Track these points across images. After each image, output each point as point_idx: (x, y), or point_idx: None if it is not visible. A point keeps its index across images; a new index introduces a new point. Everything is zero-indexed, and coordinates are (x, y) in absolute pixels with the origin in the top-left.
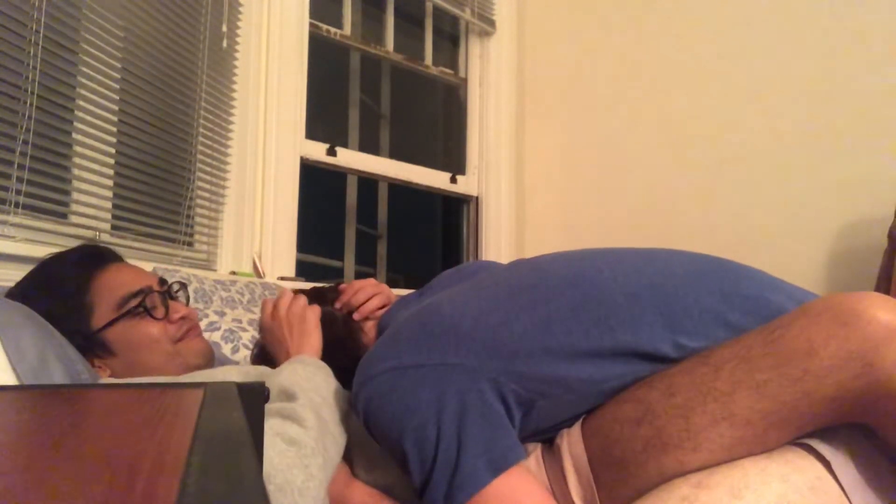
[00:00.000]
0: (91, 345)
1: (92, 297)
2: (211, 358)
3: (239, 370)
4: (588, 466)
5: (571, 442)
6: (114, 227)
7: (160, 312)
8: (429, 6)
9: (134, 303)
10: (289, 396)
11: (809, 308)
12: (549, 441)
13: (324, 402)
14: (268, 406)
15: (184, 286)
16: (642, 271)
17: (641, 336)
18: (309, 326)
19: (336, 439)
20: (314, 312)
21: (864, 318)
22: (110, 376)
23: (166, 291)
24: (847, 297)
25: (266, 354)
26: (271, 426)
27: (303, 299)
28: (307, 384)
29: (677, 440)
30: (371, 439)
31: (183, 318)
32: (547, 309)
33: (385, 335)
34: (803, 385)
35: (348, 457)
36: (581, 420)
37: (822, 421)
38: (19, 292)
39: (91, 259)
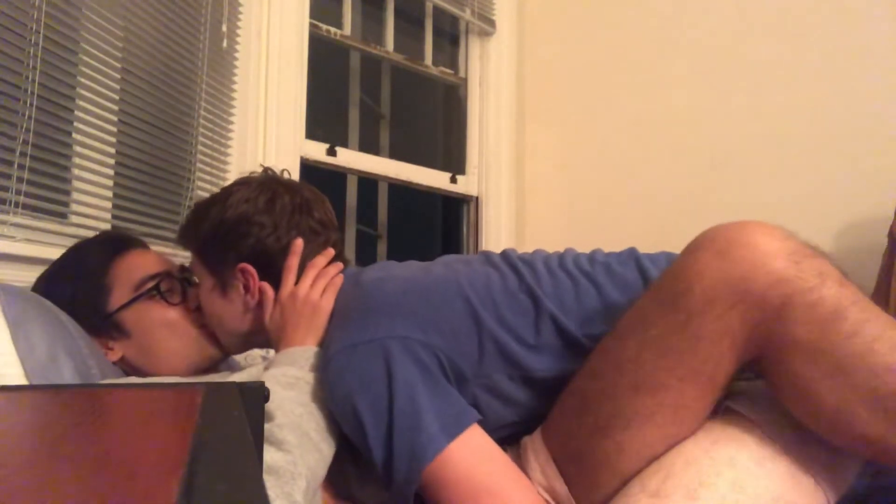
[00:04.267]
0: (106, 326)
1: (111, 279)
2: (223, 356)
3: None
4: (557, 471)
5: (536, 450)
6: (114, 228)
7: (175, 298)
8: (429, 6)
9: (150, 285)
10: (266, 415)
11: (690, 244)
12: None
13: (305, 412)
14: None
15: None
16: (556, 273)
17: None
18: (318, 321)
19: (321, 452)
20: (328, 303)
21: (737, 244)
22: (120, 359)
23: (186, 279)
24: (725, 227)
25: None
26: None
27: (321, 284)
28: (288, 393)
29: (610, 421)
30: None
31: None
32: (486, 295)
33: (335, 318)
34: (690, 328)
35: (342, 472)
36: (540, 428)
37: (728, 364)
38: (47, 274)
39: (114, 243)
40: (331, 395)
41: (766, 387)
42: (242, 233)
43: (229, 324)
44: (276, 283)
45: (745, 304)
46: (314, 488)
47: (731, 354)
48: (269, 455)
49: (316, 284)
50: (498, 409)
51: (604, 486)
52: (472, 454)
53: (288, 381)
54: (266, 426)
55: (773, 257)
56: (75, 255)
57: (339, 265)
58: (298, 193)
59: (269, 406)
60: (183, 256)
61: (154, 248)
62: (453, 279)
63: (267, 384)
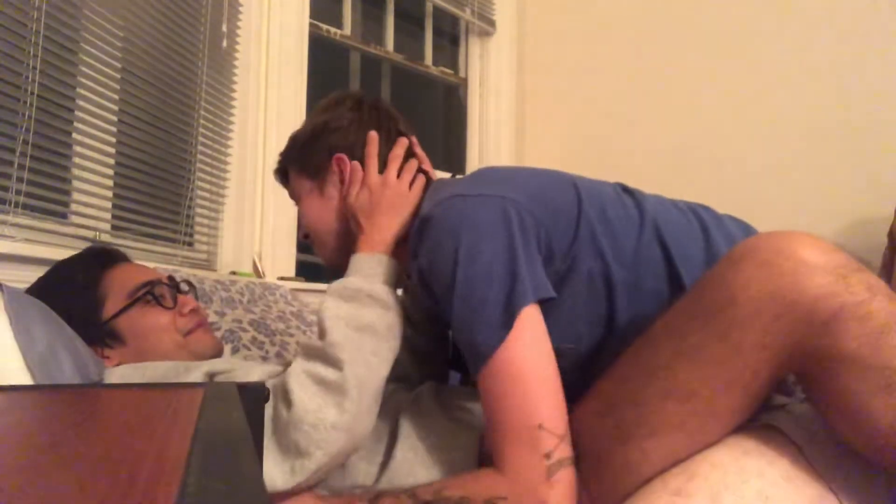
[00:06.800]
0: (101, 334)
1: (103, 289)
2: (219, 354)
3: (263, 369)
4: None
5: None
6: (114, 227)
7: (169, 302)
8: (429, 6)
9: (143, 291)
10: (321, 331)
11: (732, 254)
12: None
13: (357, 326)
14: (300, 342)
15: (192, 286)
16: (666, 205)
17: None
18: (405, 209)
19: (370, 366)
20: (416, 194)
21: (783, 256)
22: (117, 365)
23: (176, 286)
24: (769, 237)
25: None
26: (300, 365)
27: (408, 176)
28: (347, 306)
29: (634, 427)
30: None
31: (193, 310)
32: (595, 194)
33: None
34: (731, 339)
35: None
36: None
37: (765, 377)
38: (35, 289)
39: (102, 257)
40: (429, 231)
41: (810, 403)
42: (332, 128)
43: (329, 223)
44: None
45: (790, 316)
46: (363, 402)
47: (769, 367)
48: (322, 369)
49: (403, 175)
50: (558, 309)
51: (623, 489)
52: (534, 328)
53: (349, 294)
54: (319, 346)
55: (821, 270)
56: (63, 272)
57: (415, 161)
58: (374, 102)
59: (325, 321)
60: (184, 257)
61: (153, 248)
62: (565, 174)
63: (329, 295)
